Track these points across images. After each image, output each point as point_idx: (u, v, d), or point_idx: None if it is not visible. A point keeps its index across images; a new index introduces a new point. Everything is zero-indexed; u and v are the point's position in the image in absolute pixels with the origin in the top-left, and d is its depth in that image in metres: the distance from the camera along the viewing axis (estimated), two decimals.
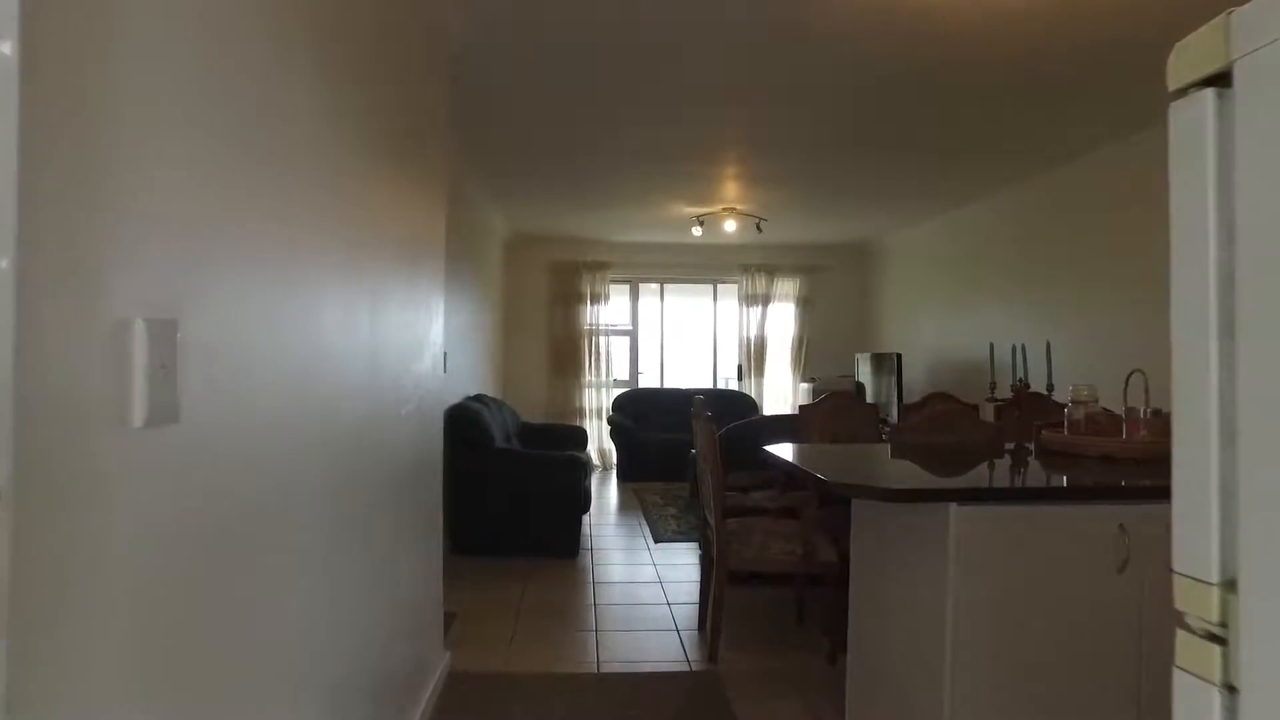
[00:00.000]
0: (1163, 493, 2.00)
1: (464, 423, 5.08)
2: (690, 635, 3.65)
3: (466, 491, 5.02)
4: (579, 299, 9.38)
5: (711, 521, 3.41)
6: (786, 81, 3.99)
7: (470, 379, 6.24)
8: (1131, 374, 2.66)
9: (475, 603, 4.06)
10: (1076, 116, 4.43)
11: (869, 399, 8.30)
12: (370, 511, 2.11)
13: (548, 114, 4.55)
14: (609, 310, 9.48)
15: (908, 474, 2.39)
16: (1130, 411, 2.49)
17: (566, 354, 9.41)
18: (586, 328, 9.40)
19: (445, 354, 5.03)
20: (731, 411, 8.57)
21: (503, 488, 5.02)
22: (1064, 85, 3.93)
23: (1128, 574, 1.91)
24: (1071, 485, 1.91)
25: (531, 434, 6.96)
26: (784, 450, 2.69)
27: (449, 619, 3.76)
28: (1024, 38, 3.41)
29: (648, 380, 9.85)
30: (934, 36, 3.40)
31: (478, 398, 5.99)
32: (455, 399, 5.46)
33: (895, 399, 7.76)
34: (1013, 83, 3.92)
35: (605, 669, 3.28)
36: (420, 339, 2.76)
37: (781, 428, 4.52)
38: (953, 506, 1.83)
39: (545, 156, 5.54)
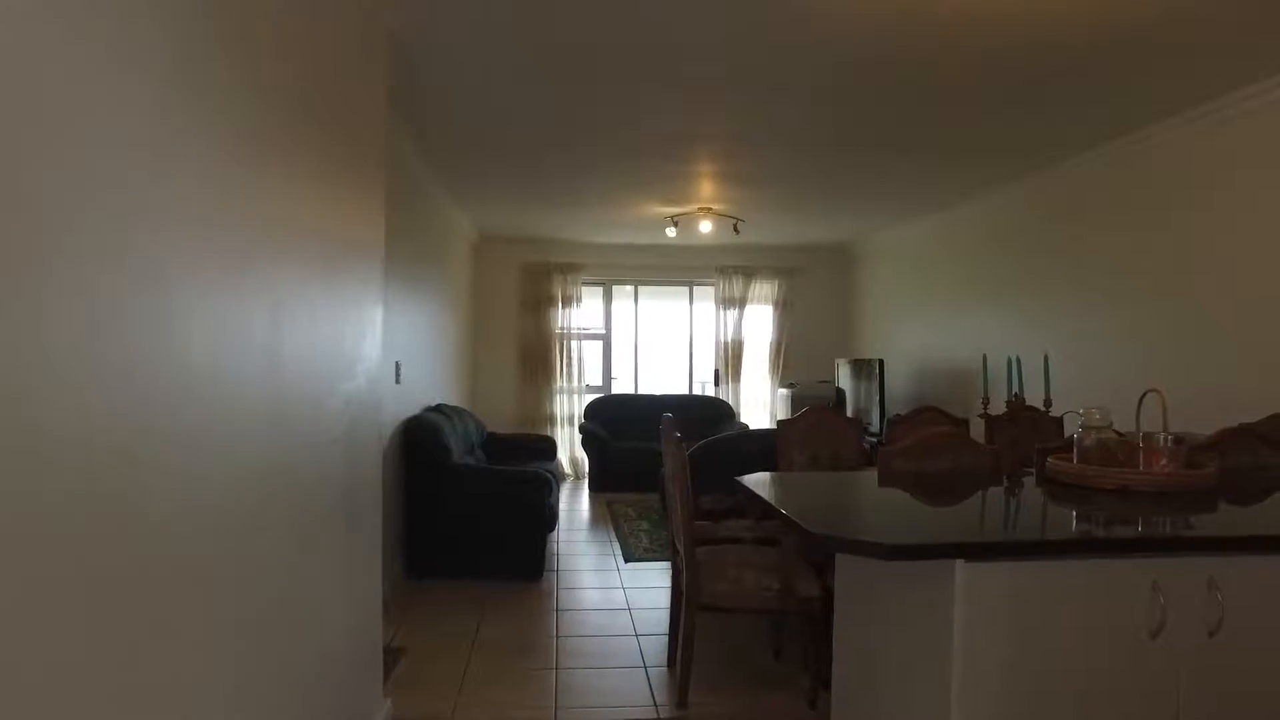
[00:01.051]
0: (1202, 544, 1.74)
1: (420, 437, 4.76)
2: (659, 673, 3.35)
3: (422, 511, 4.69)
4: (550, 302, 9.06)
5: (681, 550, 3.11)
6: (767, 77, 3.71)
7: (431, 388, 5.90)
8: (1146, 394, 2.39)
9: (427, 636, 3.73)
10: (1073, 114, 4.18)
11: (849, 406, 8.06)
12: (280, 559, 1.79)
13: (512, 110, 4.23)
14: (581, 313, 9.17)
15: (901, 513, 2.10)
16: (1149, 438, 2.23)
17: (537, 359, 9.08)
18: (558, 332, 9.07)
19: (399, 364, 4.73)
20: (707, 419, 8.30)
21: (461, 507, 4.69)
22: (1059, 82, 3.68)
23: (1163, 639, 1.63)
24: (1098, 538, 1.64)
25: (498, 445, 6.64)
26: (761, 482, 2.40)
27: (396, 656, 3.43)
28: (1017, 33, 3.14)
29: (621, 386, 9.55)
30: (922, 31, 3.13)
31: (438, 408, 5.66)
32: (412, 411, 5.13)
33: (877, 407, 7.51)
34: (1005, 79, 3.65)
35: (564, 715, 2.97)
36: (351, 354, 2.44)
37: (758, 445, 4.24)
38: (959, 563, 1.54)
39: (511, 154, 5.21)
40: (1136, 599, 1.63)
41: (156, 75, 1.25)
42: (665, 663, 3.43)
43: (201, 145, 1.40)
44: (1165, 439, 2.21)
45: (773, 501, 2.02)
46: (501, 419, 8.56)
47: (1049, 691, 1.62)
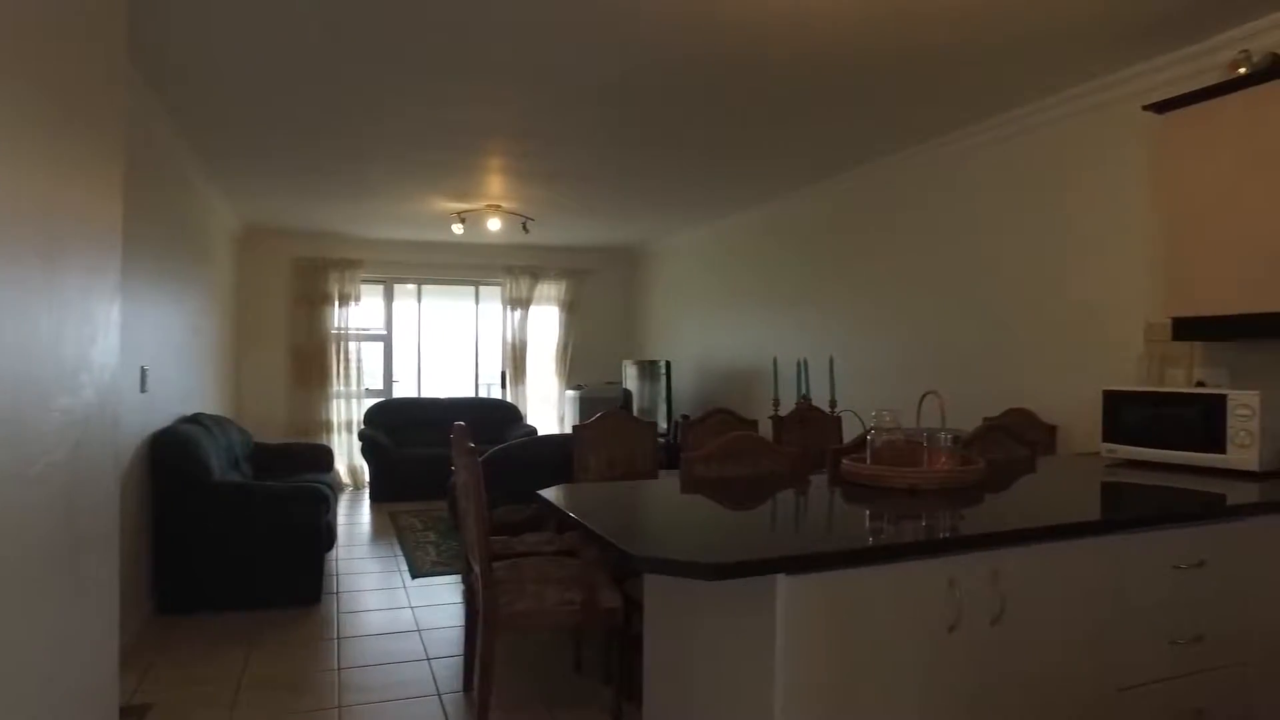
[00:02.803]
0: (990, 539, 1.83)
1: (171, 453, 4.17)
2: (454, 700, 3.13)
3: (177, 537, 4.12)
4: (325, 300, 8.42)
5: (476, 568, 2.92)
6: (560, 73, 3.60)
7: (185, 396, 5.23)
8: (925, 395, 2.54)
9: (181, 684, 3.25)
10: (856, 124, 4.40)
11: (635, 407, 8.16)
12: None
13: (283, 86, 3.81)
14: (360, 313, 8.60)
15: (711, 524, 2.07)
16: (931, 438, 2.35)
17: (311, 362, 8.40)
18: (334, 332, 8.46)
19: (144, 369, 4.12)
20: (494, 422, 8.10)
21: (224, 529, 4.17)
22: (849, 91, 3.86)
23: (958, 632, 1.70)
24: (914, 542, 1.68)
25: (266, 457, 6.04)
26: (565, 495, 2.27)
27: (140, 715, 2.95)
28: (810, 41, 3.25)
29: (404, 389, 9.08)
30: (716, 32, 3.15)
31: (194, 419, 5.02)
32: (163, 423, 4.51)
33: (664, 408, 7.66)
34: (796, 86, 3.79)
35: None
36: (75, 361, 2.03)
37: (553, 449, 4.12)
38: (781, 578, 1.51)
39: (281, 136, 4.72)
40: (937, 597, 1.69)
41: None
42: (461, 687, 3.22)
43: None
44: (946, 438, 2.35)
45: (580, 517, 1.91)
46: (271, 427, 7.85)
47: (864, 694, 1.63)
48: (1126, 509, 2.34)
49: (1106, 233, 3.72)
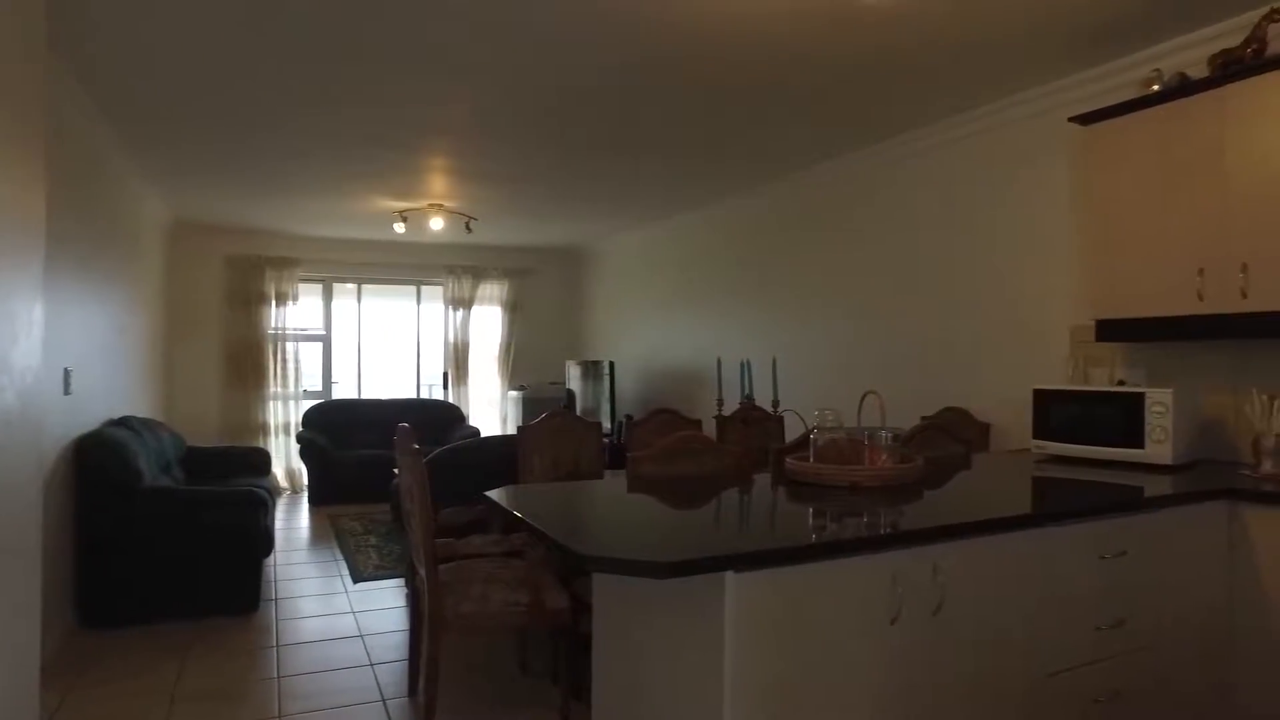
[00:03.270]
0: (931, 534, 1.89)
1: (99, 458, 4.02)
2: (399, 705, 3.09)
3: (103, 546, 3.97)
4: (261, 299, 8.21)
5: (421, 571, 2.89)
6: (502, 69, 3.58)
7: (113, 398, 5.05)
8: (866, 395, 2.60)
9: (108, 699, 3.13)
10: (807, 127, 4.45)
11: (578, 407, 8.16)
12: None
13: (217, 74, 3.70)
14: (298, 312, 8.41)
15: (660, 524, 2.09)
16: (872, 437, 2.42)
17: (246, 362, 8.18)
18: (271, 332, 8.24)
19: (68, 371, 3.97)
20: (436, 423, 8.00)
21: (154, 536, 4.03)
22: (795, 95, 3.91)
23: (899, 624, 1.75)
24: (857, 538, 1.72)
25: (200, 461, 5.86)
26: (512, 497, 2.27)
27: None
28: (764, 46, 3.30)
29: (344, 390, 8.92)
30: (660, 35, 3.18)
31: (123, 421, 4.86)
32: (89, 426, 4.34)
33: (608, 409, 7.67)
34: (747, 90, 3.83)
35: None
36: None
37: (497, 450, 4.09)
38: (729, 575, 1.54)
39: (213, 130, 4.59)
40: (880, 591, 1.74)
41: None
42: (406, 692, 3.18)
43: None
44: (886, 436, 2.41)
45: (528, 518, 1.91)
46: (204, 431, 7.63)
47: (811, 687, 1.67)
48: (1055, 503, 2.44)
49: (1037, 238, 3.87)
